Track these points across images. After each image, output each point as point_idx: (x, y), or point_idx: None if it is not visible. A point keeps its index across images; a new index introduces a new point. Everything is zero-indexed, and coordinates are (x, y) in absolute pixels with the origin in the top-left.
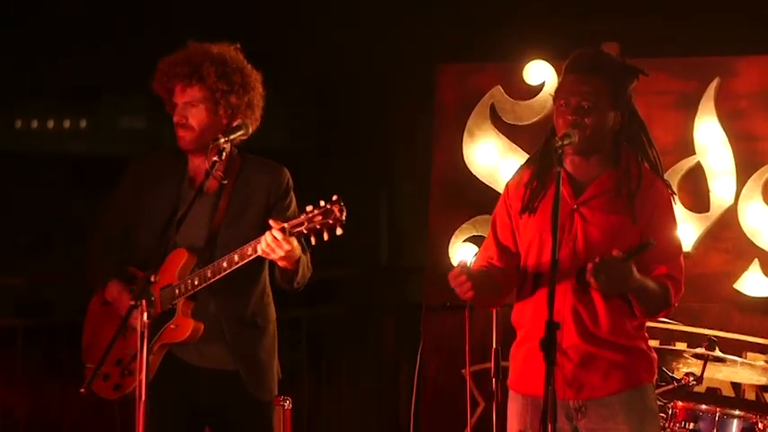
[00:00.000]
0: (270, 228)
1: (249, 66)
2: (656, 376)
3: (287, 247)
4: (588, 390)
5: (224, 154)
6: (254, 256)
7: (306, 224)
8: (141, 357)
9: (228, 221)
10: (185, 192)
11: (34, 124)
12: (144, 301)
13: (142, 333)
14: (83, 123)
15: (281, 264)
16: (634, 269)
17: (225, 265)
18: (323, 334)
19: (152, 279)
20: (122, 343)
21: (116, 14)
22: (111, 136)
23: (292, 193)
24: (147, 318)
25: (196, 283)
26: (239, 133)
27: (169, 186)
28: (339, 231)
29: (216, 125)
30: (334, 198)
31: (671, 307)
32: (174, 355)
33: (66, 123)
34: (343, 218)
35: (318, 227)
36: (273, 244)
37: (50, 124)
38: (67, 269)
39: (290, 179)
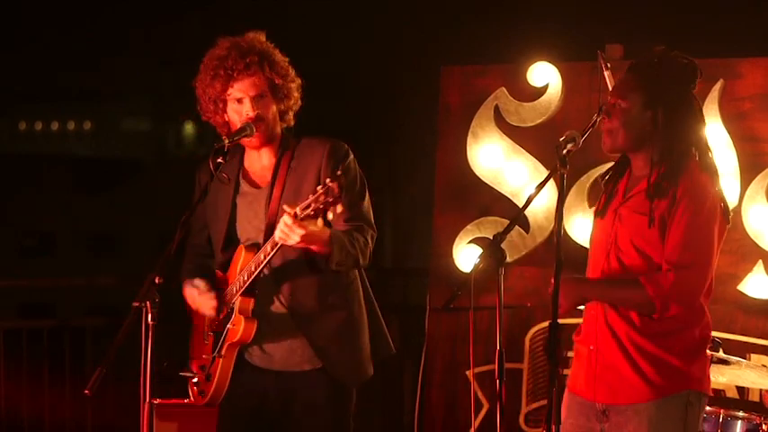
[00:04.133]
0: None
1: None
2: (688, 384)
3: (299, 231)
4: (610, 395)
5: (228, 156)
6: (278, 246)
7: (312, 205)
8: (145, 360)
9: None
10: (242, 187)
11: (38, 126)
12: (148, 302)
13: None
14: (87, 125)
15: (312, 247)
16: (579, 283)
17: (261, 256)
18: None
19: (156, 281)
20: (205, 346)
21: (121, 18)
22: (115, 138)
23: (350, 162)
24: (152, 320)
25: (245, 278)
26: (243, 134)
27: (225, 188)
28: (339, 209)
29: (278, 115)
30: (338, 173)
31: (662, 306)
32: (246, 360)
33: (71, 125)
34: (342, 195)
35: (322, 206)
36: (285, 230)
37: (54, 126)
38: (70, 271)
39: (347, 148)
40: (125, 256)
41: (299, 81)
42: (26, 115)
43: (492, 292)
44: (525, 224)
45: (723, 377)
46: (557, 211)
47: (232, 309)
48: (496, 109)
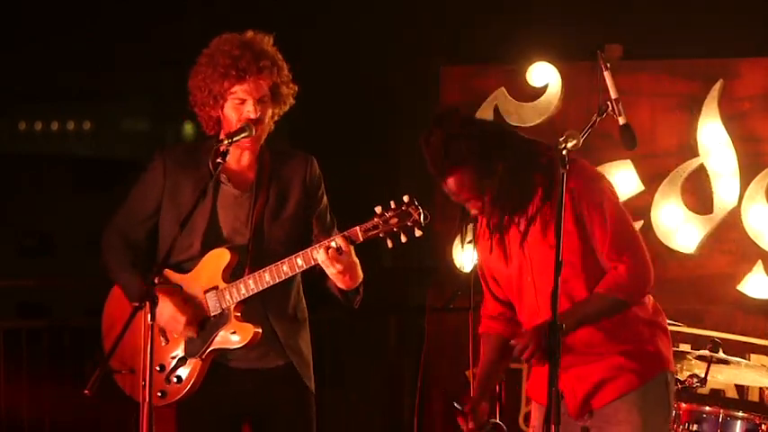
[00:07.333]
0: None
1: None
2: (662, 365)
3: (350, 258)
4: (593, 402)
5: (227, 156)
6: (311, 264)
7: (381, 226)
8: (146, 359)
9: (270, 216)
10: (222, 185)
11: (38, 126)
12: (148, 303)
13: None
14: (86, 125)
15: (342, 284)
16: (547, 326)
17: (285, 269)
18: (326, 336)
19: (155, 281)
20: (163, 347)
21: (121, 18)
22: (115, 138)
23: (322, 182)
24: (151, 320)
25: (252, 286)
26: (243, 135)
27: (202, 182)
28: (418, 233)
29: (272, 118)
30: (407, 199)
31: (630, 298)
32: (218, 361)
33: (71, 125)
34: (422, 220)
35: (395, 229)
36: (332, 255)
37: (54, 126)
38: (70, 271)
39: (319, 168)
40: None
41: (295, 88)
42: (26, 115)
43: None
44: None
45: (723, 377)
46: (557, 210)
47: (224, 314)
48: (496, 109)
